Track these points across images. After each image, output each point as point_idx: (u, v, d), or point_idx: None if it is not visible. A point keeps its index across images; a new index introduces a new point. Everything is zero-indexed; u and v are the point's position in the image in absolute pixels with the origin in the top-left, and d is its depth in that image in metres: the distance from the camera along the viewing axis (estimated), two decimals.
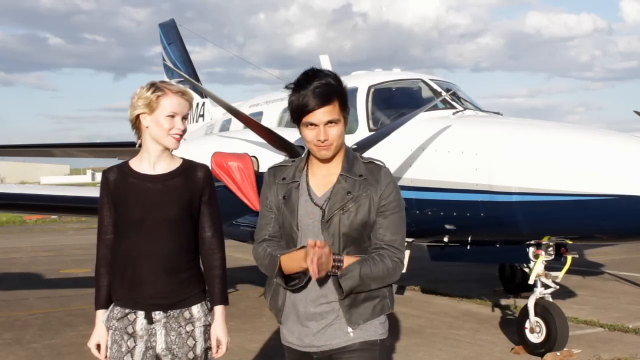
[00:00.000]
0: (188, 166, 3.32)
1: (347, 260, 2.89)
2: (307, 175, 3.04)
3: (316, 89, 2.87)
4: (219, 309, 3.31)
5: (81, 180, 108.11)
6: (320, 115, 2.88)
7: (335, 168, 3.01)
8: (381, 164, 3.05)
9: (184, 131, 3.22)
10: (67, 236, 22.63)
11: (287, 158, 7.65)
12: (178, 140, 3.22)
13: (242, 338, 7.75)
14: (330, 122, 2.90)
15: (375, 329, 2.97)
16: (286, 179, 3.05)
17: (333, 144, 2.93)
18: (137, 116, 3.23)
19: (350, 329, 2.92)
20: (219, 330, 3.29)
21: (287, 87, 2.99)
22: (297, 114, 2.93)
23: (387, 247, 2.94)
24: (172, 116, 3.18)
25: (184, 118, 3.23)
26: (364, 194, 2.94)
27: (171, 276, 3.19)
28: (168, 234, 3.19)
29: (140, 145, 3.32)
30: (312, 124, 2.90)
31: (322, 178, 3.01)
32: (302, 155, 3.11)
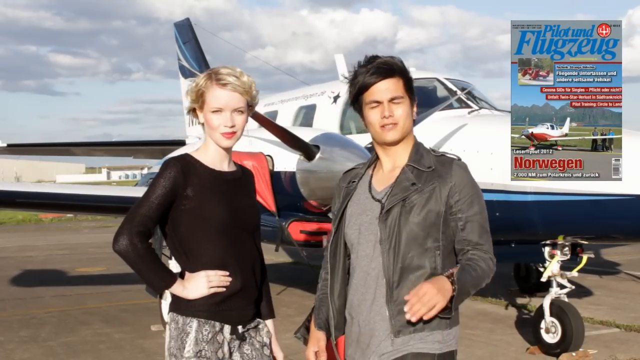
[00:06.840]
0: (240, 167, 3.03)
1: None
2: (372, 174, 2.79)
3: (376, 64, 2.67)
4: (270, 323, 3.03)
5: (96, 179, 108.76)
6: (383, 89, 2.65)
7: (401, 160, 2.72)
8: (455, 157, 2.76)
9: (235, 126, 2.80)
10: (83, 235, 22.73)
11: (301, 157, 7.63)
12: (229, 137, 2.81)
13: None
14: (394, 99, 2.66)
15: (432, 340, 2.58)
16: (350, 181, 2.83)
17: (399, 124, 2.66)
18: (194, 110, 2.89)
19: (393, 337, 2.57)
20: (275, 346, 3.02)
21: (345, 77, 2.84)
22: (358, 93, 2.69)
23: (476, 250, 2.64)
24: (219, 111, 2.79)
25: (238, 111, 2.80)
26: (431, 186, 2.62)
27: (258, 286, 2.93)
28: (253, 239, 2.91)
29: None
30: (375, 102, 2.66)
31: (387, 173, 2.74)
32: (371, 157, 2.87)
